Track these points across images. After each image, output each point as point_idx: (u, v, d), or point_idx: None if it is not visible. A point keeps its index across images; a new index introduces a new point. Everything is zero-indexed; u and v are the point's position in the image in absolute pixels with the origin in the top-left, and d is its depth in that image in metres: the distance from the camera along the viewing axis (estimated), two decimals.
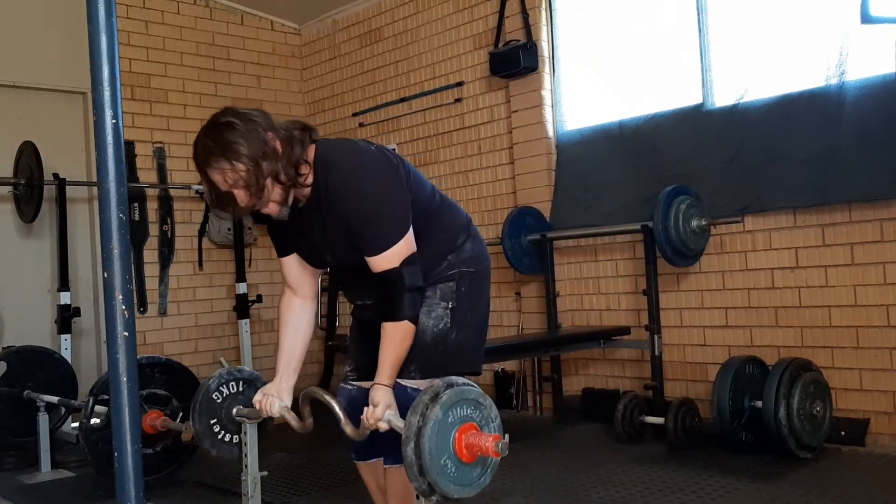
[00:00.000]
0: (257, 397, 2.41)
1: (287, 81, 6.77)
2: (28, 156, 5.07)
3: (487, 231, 5.30)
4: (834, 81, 4.02)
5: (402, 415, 2.09)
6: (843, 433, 3.95)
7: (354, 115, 6.42)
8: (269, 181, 2.08)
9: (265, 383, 2.62)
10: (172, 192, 5.99)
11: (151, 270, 5.91)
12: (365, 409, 2.12)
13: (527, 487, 3.55)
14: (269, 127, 2.14)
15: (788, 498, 3.21)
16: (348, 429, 2.15)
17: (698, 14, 4.57)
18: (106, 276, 1.33)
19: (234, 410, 2.64)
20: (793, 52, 4.20)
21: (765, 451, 3.80)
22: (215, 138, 2.10)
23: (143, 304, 5.80)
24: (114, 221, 1.32)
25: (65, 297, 5.01)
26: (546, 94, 5.18)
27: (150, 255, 5.91)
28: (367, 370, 2.34)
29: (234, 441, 2.66)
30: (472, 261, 2.39)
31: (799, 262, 4.17)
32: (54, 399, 4.18)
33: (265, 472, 2.62)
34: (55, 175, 5.22)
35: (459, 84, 5.65)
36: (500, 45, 5.26)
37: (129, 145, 5.77)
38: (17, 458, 4.43)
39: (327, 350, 6.38)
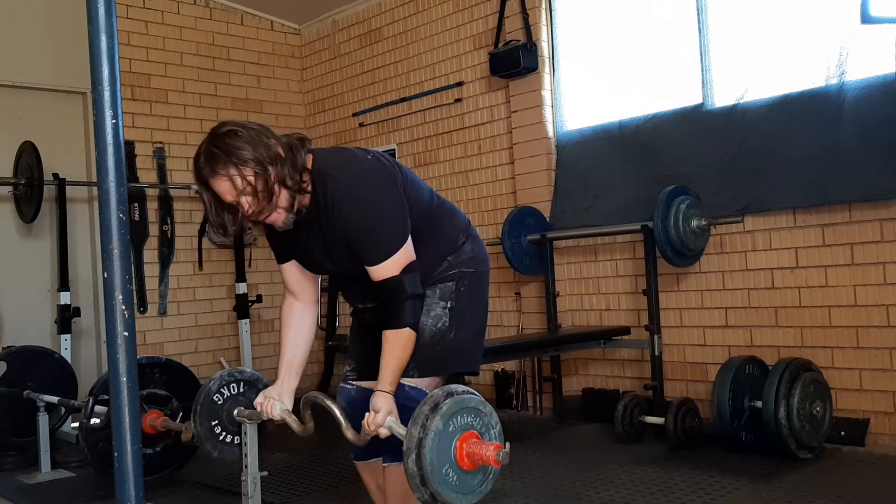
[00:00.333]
0: (259, 400, 2.42)
1: (287, 81, 6.77)
2: (28, 156, 5.07)
3: (487, 231, 5.30)
4: (834, 81, 4.02)
5: (400, 413, 2.09)
6: (843, 433, 3.95)
7: (354, 115, 6.42)
8: (276, 186, 2.07)
9: (266, 384, 2.63)
10: (172, 192, 6.00)
11: (151, 270, 5.91)
12: (366, 414, 2.12)
13: (527, 487, 3.55)
14: (271, 134, 2.13)
15: (788, 498, 3.21)
16: (349, 433, 2.15)
17: (698, 14, 4.57)
18: (106, 276, 1.33)
19: (235, 412, 2.64)
20: (793, 52, 4.20)
21: (765, 451, 3.80)
22: (220, 146, 2.07)
23: (143, 304, 5.80)
24: (114, 221, 1.32)
25: (65, 297, 5.01)
26: (546, 94, 5.18)
27: (150, 255, 5.91)
28: (367, 369, 2.35)
29: (236, 442, 2.67)
30: (471, 261, 2.40)
31: (799, 262, 4.17)
32: (54, 399, 4.18)
33: (265, 472, 2.62)
34: (55, 175, 5.22)
35: (459, 84, 5.65)
36: (500, 45, 5.26)
37: (129, 145, 5.77)
38: (17, 458, 4.43)
39: (327, 350, 6.38)
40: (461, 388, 1.95)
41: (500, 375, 5.37)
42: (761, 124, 4.26)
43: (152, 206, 5.94)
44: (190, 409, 2.72)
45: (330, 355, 6.38)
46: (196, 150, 2.12)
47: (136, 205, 5.82)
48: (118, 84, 1.34)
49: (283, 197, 2.11)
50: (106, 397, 3.62)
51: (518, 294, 5.36)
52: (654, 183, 4.51)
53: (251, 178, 2.05)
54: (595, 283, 5.04)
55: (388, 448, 2.18)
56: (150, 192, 5.91)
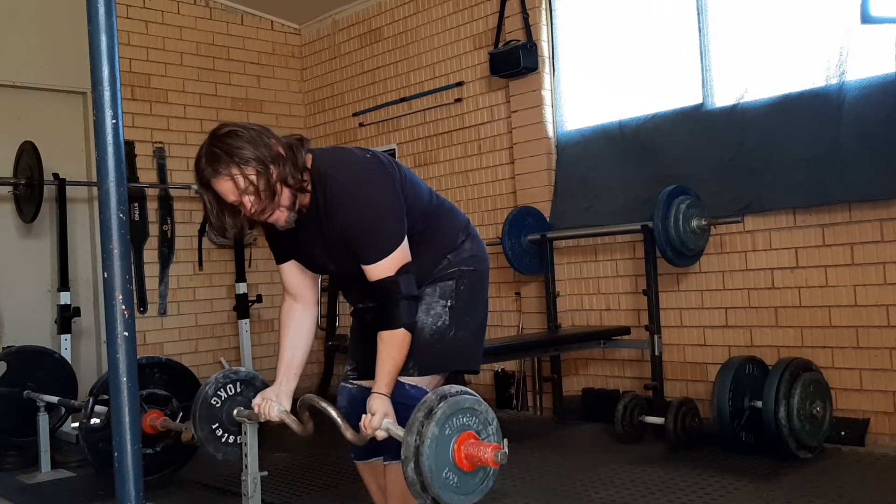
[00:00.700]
0: (256, 401, 2.42)
1: (287, 81, 6.77)
2: (28, 156, 5.07)
3: (487, 231, 5.30)
4: (834, 81, 4.02)
5: (401, 412, 2.09)
6: (843, 433, 3.95)
7: (354, 115, 6.42)
8: (278, 185, 2.08)
9: (263, 381, 2.63)
10: (172, 192, 6.00)
11: (151, 270, 5.91)
12: (363, 416, 2.12)
13: (527, 487, 3.55)
14: (271, 135, 2.14)
15: (788, 498, 3.21)
16: (349, 433, 2.15)
17: (698, 14, 4.57)
18: (106, 276, 1.33)
19: (235, 412, 2.64)
20: (793, 52, 4.20)
21: (765, 451, 3.80)
22: (221, 147, 2.07)
23: (143, 304, 5.80)
24: (114, 221, 1.32)
25: (65, 297, 5.01)
26: (546, 94, 5.18)
27: (150, 255, 5.91)
28: (367, 368, 2.35)
29: (239, 442, 2.67)
30: (471, 260, 2.40)
31: (799, 262, 4.17)
32: (54, 399, 4.18)
33: (265, 472, 2.62)
34: (55, 175, 5.22)
35: (459, 84, 5.65)
36: (500, 45, 5.26)
37: (129, 145, 5.77)
38: (17, 458, 4.43)
39: (327, 350, 6.38)
40: (454, 388, 1.94)
41: (500, 375, 5.37)
42: (761, 124, 4.26)
43: (152, 206, 5.94)
44: (190, 408, 2.72)
45: (330, 355, 6.38)
46: (197, 152, 2.12)
47: (136, 205, 5.82)
48: (118, 84, 1.34)
49: (285, 196, 2.11)
50: (106, 397, 3.62)
51: (518, 294, 5.36)
52: (654, 183, 4.51)
53: (253, 178, 2.06)
54: (595, 283, 5.04)
55: (389, 447, 2.19)
56: (150, 192, 5.91)
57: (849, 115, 3.93)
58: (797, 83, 4.16)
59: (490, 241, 4.95)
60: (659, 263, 4.31)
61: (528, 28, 5.17)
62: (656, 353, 4.26)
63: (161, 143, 6.02)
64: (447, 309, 2.31)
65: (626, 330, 4.69)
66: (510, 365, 5.32)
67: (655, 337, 4.26)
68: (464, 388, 1.96)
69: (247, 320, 5.87)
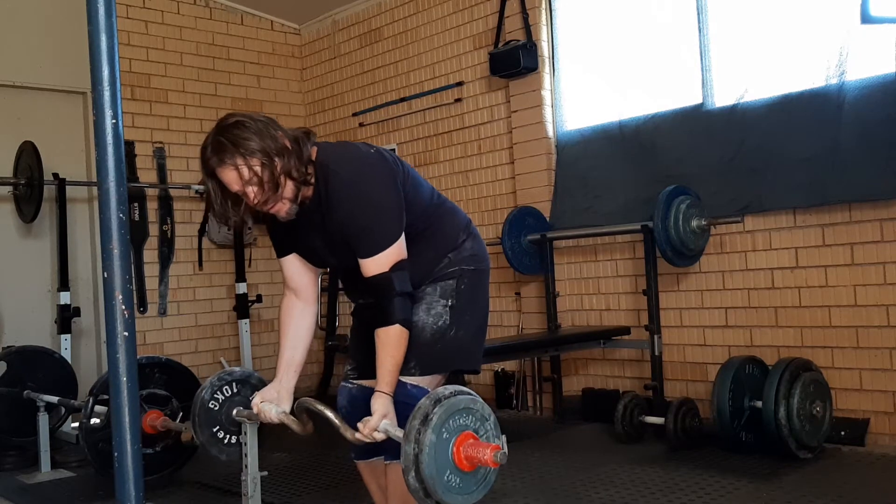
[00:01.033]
0: (255, 401, 2.41)
1: (287, 81, 6.77)
2: (28, 156, 5.07)
3: (487, 231, 5.31)
4: (834, 81, 4.02)
5: (402, 411, 2.09)
6: (843, 433, 3.95)
7: (354, 115, 6.42)
8: (282, 177, 2.10)
9: (259, 379, 2.63)
10: (172, 192, 6.00)
11: (151, 270, 5.91)
12: (364, 418, 2.12)
13: (527, 487, 3.55)
14: (277, 126, 2.15)
15: (788, 498, 3.21)
16: (348, 434, 2.15)
17: (698, 14, 4.57)
18: (106, 276, 1.33)
19: (234, 412, 2.64)
20: (793, 52, 4.20)
21: (765, 451, 3.80)
22: (228, 137, 2.09)
23: (143, 304, 5.80)
24: (114, 221, 1.32)
25: (65, 297, 5.01)
26: (546, 94, 5.18)
27: (150, 255, 5.91)
28: (367, 368, 2.35)
29: (241, 441, 2.67)
30: (472, 259, 2.40)
31: (799, 262, 4.17)
32: (54, 399, 4.17)
33: (265, 472, 2.62)
34: (55, 175, 5.22)
35: (459, 84, 5.65)
36: (500, 45, 5.26)
37: (129, 145, 5.77)
38: (17, 458, 4.43)
39: (327, 350, 6.38)
40: (448, 390, 1.92)
41: (500, 375, 5.37)
42: (761, 124, 4.26)
43: (152, 206, 5.94)
44: (190, 408, 2.72)
45: (330, 355, 6.38)
46: (203, 141, 2.14)
47: (136, 205, 5.82)
48: (118, 84, 1.34)
49: (289, 188, 2.13)
50: (106, 397, 3.62)
51: (518, 294, 5.36)
52: (654, 183, 4.51)
53: (258, 169, 2.07)
54: (595, 283, 5.04)
55: (389, 446, 2.19)
56: (150, 192, 5.91)
57: (849, 115, 3.93)
58: (797, 83, 4.16)
59: (490, 241, 4.94)
60: (659, 263, 4.31)
61: (528, 28, 5.17)
62: (656, 353, 4.26)
63: (161, 143, 6.02)
64: (448, 308, 2.32)
65: (626, 330, 4.69)
66: (510, 365, 5.32)
67: (655, 337, 4.26)
68: (459, 388, 1.94)
69: (247, 320, 5.87)
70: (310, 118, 6.82)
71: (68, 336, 4.95)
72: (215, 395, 2.65)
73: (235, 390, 2.68)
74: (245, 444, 2.59)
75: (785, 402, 3.65)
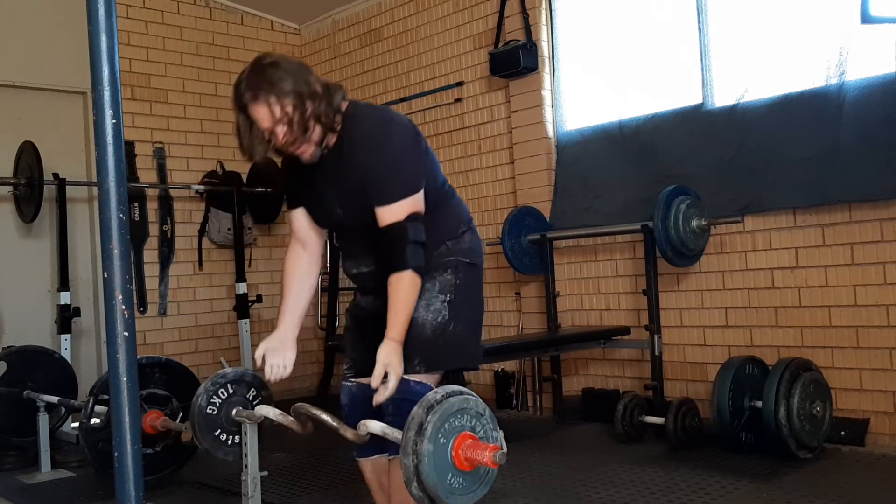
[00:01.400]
0: (259, 353, 2.41)
1: None
2: (28, 156, 5.07)
3: (487, 231, 5.30)
4: (834, 81, 4.02)
5: (407, 409, 2.08)
6: (843, 433, 3.95)
7: None
8: (312, 121, 2.16)
9: (252, 376, 2.64)
10: (172, 192, 6.00)
11: (151, 270, 5.91)
12: (378, 367, 2.13)
13: (527, 487, 3.55)
14: (310, 72, 2.21)
15: (788, 498, 3.21)
16: (348, 433, 2.15)
17: (698, 14, 4.57)
18: (106, 276, 1.33)
19: (234, 412, 2.65)
20: (793, 52, 4.20)
21: (765, 451, 3.80)
22: (263, 75, 2.14)
23: (143, 304, 5.80)
24: (114, 221, 1.32)
25: (65, 297, 5.01)
26: (546, 94, 5.18)
27: (150, 255, 5.91)
28: (364, 366, 2.35)
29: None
30: (469, 252, 2.42)
31: (799, 262, 4.17)
32: (54, 399, 4.17)
33: (265, 472, 2.62)
34: (55, 175, 5.22)
35: (459, 84, 5.65)
36: (500, 45, 5.26)
37: (129, 145, 5.77)
38: (17, 458, 4.43)
39: (327, 350, 6.38)
40: (440, 394, 1.89)
41: (500, 375, 5.37)
42: (761, 124, 4.26)
43: (152, 206, 5.95)
44: (190, 409, 2.73)
45: (330, 355, 6.38)
46: (238, 76, 2.19)
47: (136, 205, 5.82)
48: (118, 84, 1.34)
49: (317, 132, 2.18)
50: (106, 397, 3.62)
51: (518, 294, 5.36)
52: (654, 183, 4.51)
53: (289, 110, 2.13)
54: (595, 283, 5.04)
55: (392, 442, 2.19)
56: (150, 192, 5.91)
57: (849, 115, 3.93)
58: (797, 83, 4.16)
59: (490, 241, 4.96)
60: (659, 263, 4.31)
61: (528, 28, 5.17)
62: (656, 353, 4.26)
63: (161, 143, 6.02)
64: (446, 304, 2.33)
65: (626, 330, 4.69)
66: (510, 365, 5.32)
67: (655, 337, 4.26)
68: (450, 390, 1.92)
69: (247, 320, 5.87)
70: None
71: (68, 336, 4.95)
72: (212, 400, 2.65)
73: (231, 391, 2.69)
74: (245, 444, 2.59)
75: (785, 402, 3.65)
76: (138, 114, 5.88)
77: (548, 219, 5.08)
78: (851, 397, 3.99)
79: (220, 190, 6.05)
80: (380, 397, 2.14)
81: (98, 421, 3.74)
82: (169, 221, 5.99)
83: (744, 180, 4.30)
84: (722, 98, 4.49)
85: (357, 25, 6.43)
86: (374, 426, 2.09)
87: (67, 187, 5.27)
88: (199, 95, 6.22)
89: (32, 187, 5.06)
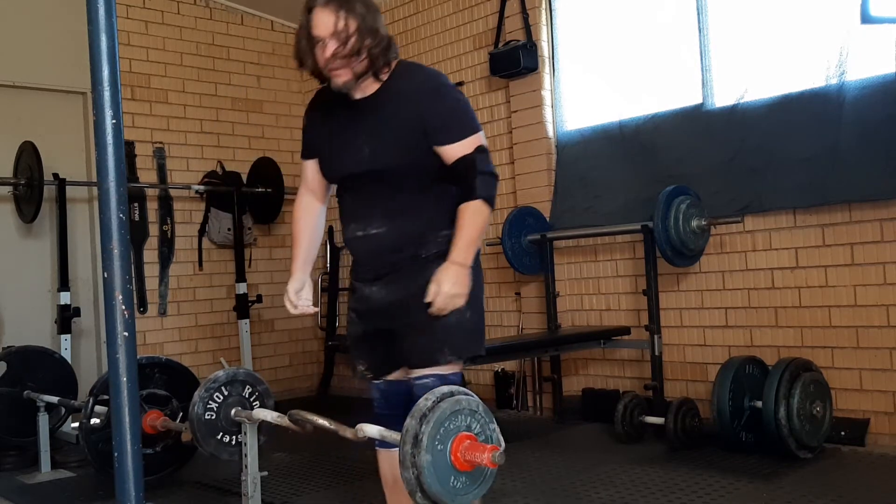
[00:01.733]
0: (291, 294, 2.45)
1: (287, 81, 6.76)
2: (28, 156, 5.07)
3: (487, 231, 5.27)
4: (834, 81, 4.02)
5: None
6: (843, 433, 3.95)
7: None
8: (364, 52, 2.22)
9: (247, 373, 2.65)
10: (172, 192, 6.00)
11: (151, 270, 5.91)
12: (431, 287, 2.20)
13: (527, 487, 3.55)
14: (382, 18, 2.30)
15: (788, 498, 3.21)
16: (348, 433, 2.16)
17: (698, 14, 4.57)
18: (106, 276, 1.33)
19: (233, 412, 2.65)
20: (793, 52, 4.20)
21: (765, 451, 3.80)
22: None
23: (143, 304, 5.80)
24: (114, 221, 1.32)
25: (65, 297, 5.01)
26: (546, 94, 5.18)
27: (150, 255, 5.91)
28: (381, 366, 2.40)
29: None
30: None
31: (799, 262, 4.17)
32: (54, 399, 4.17)
33: (265, 472, 2.63)
34: (55, 175, 5.22)
35: (459, 84, 5.65)
36: (500, 45, 5.26)
37: (129, 145, 5.77)
38: (17, 458, 4.43)
39: (327, 350, 6.38)
40: (430, 401, 1.86)
41: (500, 375, 5.37)
42: (761, 124, 4.26)
43: (152, 206, 5.94)
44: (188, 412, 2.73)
45: (330, 355, 6.38)
46: None
47: (136, 205, 5.82)
48: (118, 84, 1.34)
49: (362, 65, 2.23)
50: (106, 397, 3.62)
51: (518, 294, 5.36)
52: (654, 183, 4.51)
53: (350, 30, 2.19)
54: (595, 283, 5.04)
55: None
56: (150, 192, 5.91)
57: (849, 115, 3.93)
58: (797, 83, 4.16)
59: (490, 241, 4.96)
60: (659, 263, 4.31)
61: (528, 28, 5.17)
62: (656, 353, 4.26)
63: (161, 143, 6.02)
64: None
65: (626, 330, 4.69)
66: (510, 365, 5.32)
67: (655, 337, 4.26)
68: (440, 394, 1.89)
69: (247, 320, 5.87)
70: None
71: (68, 336, 4.95)
72: (208, 406, 2.66)
73: (227, 392, 2.69)
74: (245, 444, 2.60)
75: (785, 402, 3.65)
76: (138, 114, 5.88)
77: (548, 219, 5.08)
78: (851, 397, 3.99)
79: (220, 190, 6.05)
80: (431, 310, 2.22)
81: (98, 421, 3.74)
82: (169, 221, 5.99)
83: (744, 180, 4.30)
84: (722, 98, 4.49)
85: None
86: (371, 430, 2.09)
87: (67, 187, 5.27)
88: (199, 95, 6.22)
89: (32, 187, 5.06)
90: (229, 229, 6.05)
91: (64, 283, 5.06)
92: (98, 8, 1.32)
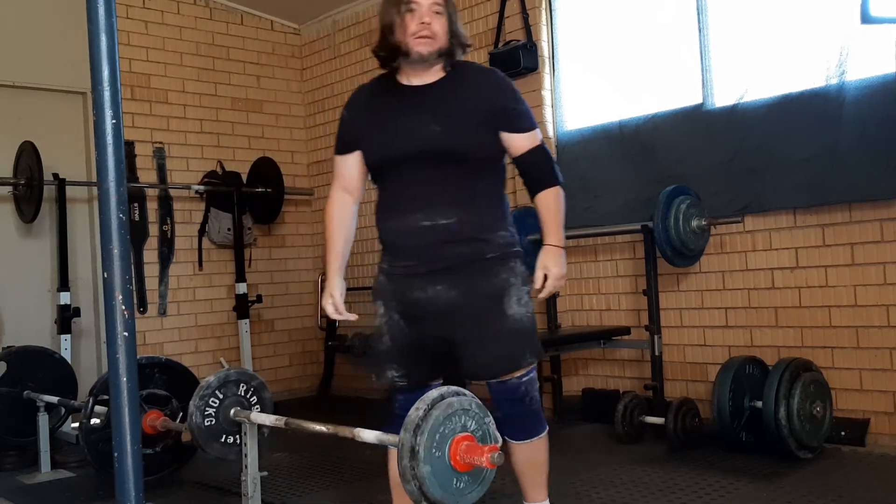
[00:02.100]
0: (338, 300, 2.45)
1: (287, 81, 6.77)
2: (28, 156, 5.07)
3: None
4: (834, 81, 4.01)
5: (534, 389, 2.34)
6: (843, 433, 3.95)
7: None
8: (452, 29, 2.37)
9: (238, 372, 2.67)
10: (172, 192, 6.00)
11: (151, 270, 5.90)
12: (537, 273, 2.36)
13: None
14: None
15: (788, 498, 3.21)
16: (346, 432, 2.16)
17: (698, 14, 4.57)
18: (106, 276, 1.33)
19: (232, 413, 2.65)
20: (793, 52, 4.20)
21: (765, 451, 3.80)
22: None
23: (143, 304, 5.80)
24: (114, 221, 1.32)
25: (65, 297, 5.00)
26: (546, 94, 5.18)
27: (150, 255, 5.91)
28: (423, 376, 2.38)
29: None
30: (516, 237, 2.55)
31: (799, 262, 4.17)
32: (54, 399, 4.17)
33: (265, 472, 2.62)
34: (55, 175, 5.22)
35: None
36: (500, 45, 5.26)
37: (129, 145, 5.77)
38: (17, 458, 4.42)
39: (327, 350, 6.38)
40: (419, 412, 1.85)
41: None
42: (761, 124, 4.26)
43: (152, 206, 5.94)
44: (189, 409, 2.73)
45: (330, 355, 6.37)
46: None
47: (136, 205, 5.82)
48: (118, 84, 1.34)
49: (446, 43, 2.36)
50: (106, 397, 3.62)
51: None
52: (654, 183, 4.51)
53: (450, 8, 2.38)
54: (595, 283, 5.04)
55: None
56: (150, 192, 5.91)
57: (849, 115, 3.93)
58: (797, 83, 4.16)
59: None
60: (659, 263, 4.31)
61: (528, 28, 5.17)
62: (656, 353, 4.25)
63: (161, 143, 6.02)
64: (527, 294, 2.44)
65: (626, 330, 4.69)
66: None
67: (655, 337, 4.25)
68: (430, 401, 1.87)
69: (247, 320, 5.87)
70: (310, 118, 6.82)
71: (68, 336, 4.95)
72: (206, 412, 2.66)
73: (222, 395, 2.69)
74: (245, 444, 2.60)
75: (785, 403, 3.65)
76: (138, 114, 5.88)
77: None
78: (851, 397, 3.99)
79: (220, 190, 6.05)
80: (541, 296, 2.40)
81: (98, 421, 3.74)
82: (169, 221, 5.99)
83: (744, 180, 4.30)
84: (722, 98, 4.49)
85: (357, 25, 6.43)
86: (368, 435, 2.09)
87: (67, 187, 5.26)
88: (199, 95, 6.22)
89: (32, 187, 5.06)
90: (229, 229, 6.05)
91: (64, 283, 5.06)
92: (98, 8, 1.32)
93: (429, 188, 2.34)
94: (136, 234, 5.76)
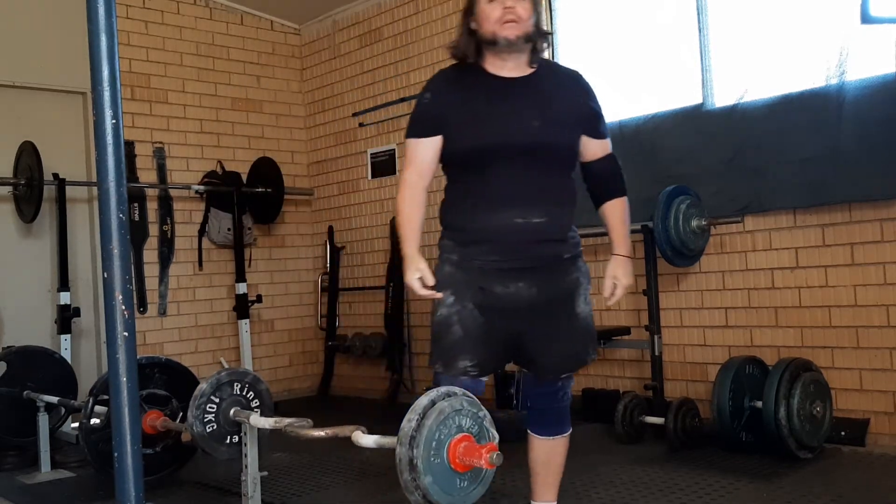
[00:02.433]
0: (428, 279, 2.33)
1: (287, 81, 6.77)
2: (28, 156, 5.07)
3: None
4: (834, 81, 4.01)
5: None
6: (843, 433, 3.95)
7: (354, 114, 6.41)
8: (536, 19, 2.41)
9: (230, 373, 2.68)
10: (172, 192, 6.00)
11: (151, 270, 5.91)
12: (608, 281, 2.41)
13: (527, 487, 3.53)
14: None
15: (788, 498, 3.21)
16: (346, 431, 2.17)
17: (698, 14, 4.57)
18: (106, 276, 1.33)
19: (231, 413, 2.65)
20: (793, 52, 4.20)
21: (765, 451, 3.80)
22: None
23: (143, 304, 5.80)
24: (114, 221, 1.32)
25: (65, 297, 5.00)
26: None
27: (150, 255, 5.91)
28: (492, 365, 2.43)
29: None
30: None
31: (799, 262, 4.17)
32: (54, 399, 4.17)
33: (265, 472, 2.63)
34: (55, 175, 5.22)
35: None
36: None
37: (129, 145, 5.77)
38: (17, 458, 4.42)
39: (327, 350, 6.38)
40: (412, 422, 1.83)
41: (501, 375, 5.36)
42: (761, 124, 4.26)
43: (152, 206, 5.94)
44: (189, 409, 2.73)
45: (330, 355, 6.37)
46: None
47: (136, 205, 5.82)
48: (118, 84, 1.34)
49: (532, 29, 2.38)
50: (106, 397, 3.62)
51: None
52: (654, 183, 4.50)
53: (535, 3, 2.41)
54: (595, 283, 5.01)
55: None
56: (150, 192, 5.91)
57: (849, 115, 3.93)
58: (797, 83, 4.16)
59: None
60: (659, 263, 4.31)
61: None
62: (656, 353, 4.25)
63: (161, 143, 6.02)
64: (589, 292, 2.50)
65: (626, 330, 4.69)
66: (510, 365, 5.30)
67: (655, 337, 4.25)
68: (420, 409, 1.85)
69: (247, 320, 5.87)
70: (310, 118, 6.83)
71: (68, 336, 4.95)
72: (205, 419, 2.66)
73: (218, 399, 2.69)
74: (245, 444, 2.60)
75: (785, 403, 3.65)
76: (138, 114, 5.88)
77: None
78: (851, 397, 3.99)
79: (220, 190, 6.05)
80: (610, 302, 2.48)
81: (98, 421, 3.74)
82: (169, 221, 5.99)
83: (744, 180, 4.30)
84: (722, 98, 4.49)
85: (357, 25, 6.43)
86: (367, 440, 2.08)
87: (67, 187, 5.26)
88: (199, 95, 6.22)
89: (32, 187, 5.06)
90: (229, 229, 6.05)
91: (64, 283, 5.06)
92: (98, 8, 1.32)
93: (522, 184, 2.34)
94: (136, 234, 5.76)
